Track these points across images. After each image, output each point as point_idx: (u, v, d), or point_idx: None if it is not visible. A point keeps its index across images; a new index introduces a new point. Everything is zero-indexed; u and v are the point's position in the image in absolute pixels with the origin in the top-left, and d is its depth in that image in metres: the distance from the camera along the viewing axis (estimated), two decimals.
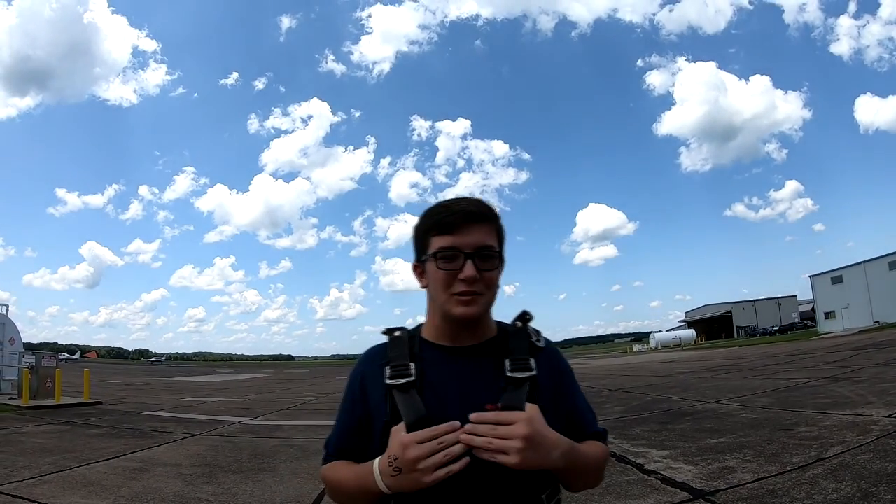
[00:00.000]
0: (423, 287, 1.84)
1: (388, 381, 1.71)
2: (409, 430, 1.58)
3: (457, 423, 1.56)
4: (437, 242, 1.73)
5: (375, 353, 1.86)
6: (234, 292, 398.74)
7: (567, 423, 1.77)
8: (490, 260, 1.73)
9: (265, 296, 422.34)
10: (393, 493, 1.60)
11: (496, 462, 1.53)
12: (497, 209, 1.83)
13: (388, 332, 1.86)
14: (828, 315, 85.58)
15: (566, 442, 1.65)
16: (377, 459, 1.63)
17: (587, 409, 1.93)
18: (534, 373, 1.72)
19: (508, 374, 1.70)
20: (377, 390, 1.75)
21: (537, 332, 1.87)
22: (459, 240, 1.70)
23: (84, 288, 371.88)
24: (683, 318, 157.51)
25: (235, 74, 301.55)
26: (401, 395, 1.67)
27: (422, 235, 1.81)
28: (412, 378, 1.70)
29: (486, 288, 1.73)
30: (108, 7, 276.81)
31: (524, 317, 1.87)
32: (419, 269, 1.85)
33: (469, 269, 1.68)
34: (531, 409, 1.60)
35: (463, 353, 1.78)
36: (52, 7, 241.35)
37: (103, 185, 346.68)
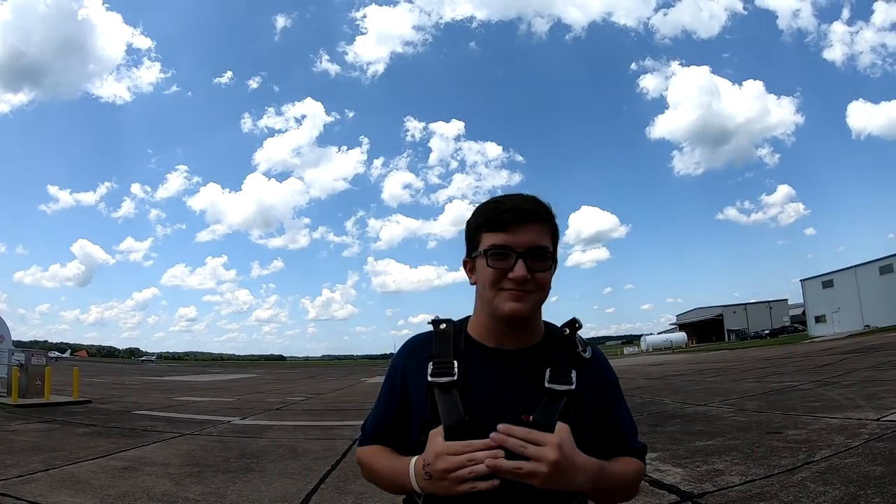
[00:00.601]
0: (473, 283, 1.83)
1: (430, 379, 1.71)
2: (446, 434, 1.60)
3: (493, 444, 1.54)
4: (488, 239, 1.72)
5: (419, 344, 1.86)
6: (225, 292, 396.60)
7: (606, 438, 1.78)
8: (543, 260, 1.72)
9: (257, 295, 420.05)
10: (424, 494, 1.64)
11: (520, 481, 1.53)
12: (551, 207, 1.81)
13: (435, 323, 1.86)
14: (818, 319, 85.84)
15: (594, 465, 1.63)
16: (413, 459, 1.66)
17: (629, 425, 1.91)
18: (572, 387, 1.71)
19: (547, 384, 1.70)
20: (418, 385, 1.76)
21: (584, 342, 1.84)
22: (511, 238, 1.69)
23: (75, 286, 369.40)
24: (675, 321, 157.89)
25: (229, 73, 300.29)
26: (442, 394, 1.69)
27: (473, 231, 1.80)
28: (454, 378, 1.70)
29: (538, 288, 1.72)
30: (103, 4, 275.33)
31: (573, 324, 1.85)
32: (469, 265, 1.84)
33: (520, 269, 1.66)
34: (561, 430, 1.58)
35: (506, 357, 1.77)
36: (47, 3, 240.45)
37: (95, 183, 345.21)
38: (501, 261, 1.68)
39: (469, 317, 1.88)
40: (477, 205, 1.84)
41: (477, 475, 1.51)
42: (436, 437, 1.61)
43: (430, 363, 1.74)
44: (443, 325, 1.84)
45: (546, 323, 1.87)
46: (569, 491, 1.60)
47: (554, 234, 1.79)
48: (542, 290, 1.73)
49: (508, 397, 1.69)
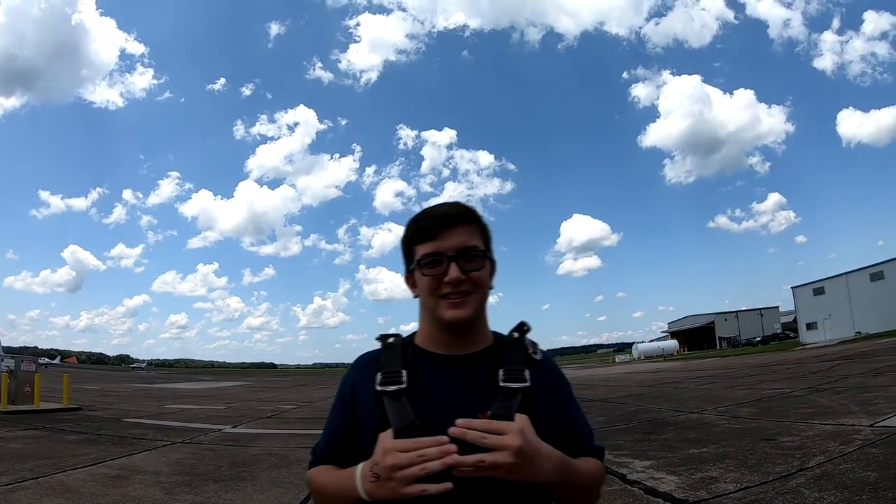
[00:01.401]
0: (416, 297, 1.81)
1: (378, 388, 1.67)
2: (396, 436, 1.53)
3: (444, 439, 1.48)
4: (420, 250, 1.73)
5: (367, 359, 1.83)
6: (216, 299, 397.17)
7: (562, 439, 1.73)
8: (475, 259, 1.71)
9: (248, 303, 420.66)
10: (371, 501, 1.55)
11: (484, 476, 1.46)
12: (476, 209, 1.80)
13: (382, 338, 1.84)
14: (810, 326, 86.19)
15: (559, 455, 1.59)
16: (361, 465, 1.59)
17: (584, 425, 1.89)
18: (527, 384, 1.67)
19: (501, 383, 1.66)
20: (367, 397, 1.71)
21: (534, 344, 1.83)
22: (441, 244, 1.70)
23: (65, 292, 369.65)
24: (666, 328, 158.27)
25: (223, 80, 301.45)
26: (391, 402, 1.63)
27: (407, 246, 1.80)
28: (403, 385, 1.66)
29: (475, 287, 1.71)
30: (97, 9, 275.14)
31: (522, 328, 1.83)
32: (410, 280, 1.83)
33: (454, 272, 1.66)
34: (521, 419, 1.54)
35: (456, 362, 1.75)
36: (41, 7, 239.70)
37: (87, 189, 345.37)
38: (435, 267, 1.69)
39: (415, 332, 1.87)
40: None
41: (429, 473, 1.44)
42: (384, 438, 1.55)
43: (379, 373, 1.71)
44: (391, 339, 1.83)
45: (494, 331, 1.87)
46: (533, 487, 1.57)
47: (484, 234, 1.80)
48: (481, 290, 1.74)
49: (462, 401, 1.64)
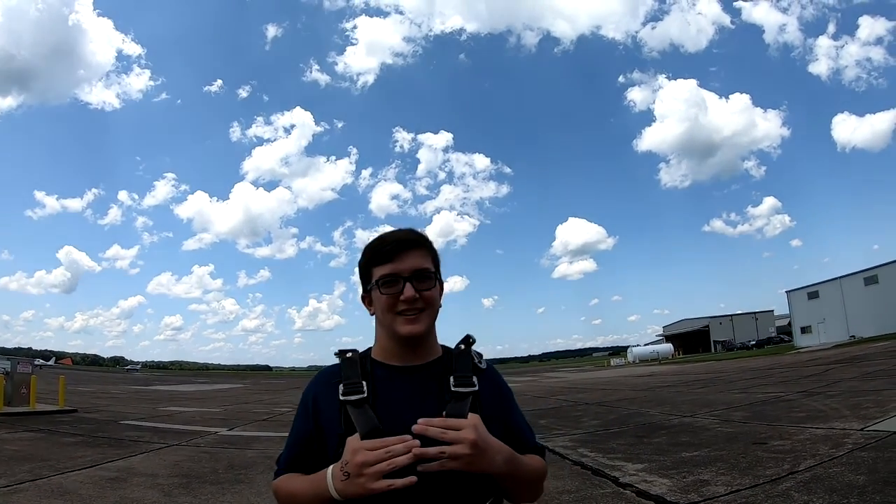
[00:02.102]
0: (372, 314, 2.01)
1: (342, 398, 1.85)
2: (363, 439, 1.71)
3: (408, 437, 1.68)
4: (378, 272, 1.93)
5: (328, 373, 2.00)
6: (211, 301, 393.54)
7: (508, 439, 1.91)
8: (427, 280, 1.92)
9: (243, 305, 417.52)
10: (342, 499, 1.72)
11: (443, 469, 1.67)
12: (427, 235, 2.05)
13: (341, 353, 2.02)
14: (804, 330, 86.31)
15: (507, 449, 1.82)
16: (331, 467, 1.76)
17: (526, 427, 2.12)
18: (476, 388, 1.90)
19: (453, 388, 1.88)
20: (330, 407, 1.88)
21: (479, 355, 2.05)
22: (397, 266, 1.90)
23: (60, 293, 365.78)
24: (661, 332, 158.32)
25: (219, 82, 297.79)
26: (354, 409, 1.82)
27: (364, 269, 2.01)
28: (364, 395, 1.85)
29: (427, 305, 1.91)
30: (94, 10, 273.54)
31: (468, 340, 2.06)
32: (367, 299, 2.03)
33: (409, 291, 1.87)
34: (473, 417, 1.77)
35: (411, 372, 1.95)
36: (38, 7, 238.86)
37: (83, 189, 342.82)
38: (392, 287, 1.89)
39: (371, 347, 2.05)
40: (369, 240, 2.03)
41: (397, 467, 1.63)
42: (352, 441, 1.72)
43: (341, 385, 1.88)
44: (349, 354, 2.00)
45: (443, 345, 2.07)
46: (485, 479, 1.78)
47: (434, 258, 2.01)
48: (432, 307, 1.94)
49: (419, 406, 1.82)
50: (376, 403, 1.84)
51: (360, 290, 2.06)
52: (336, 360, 2.02)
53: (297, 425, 2.01)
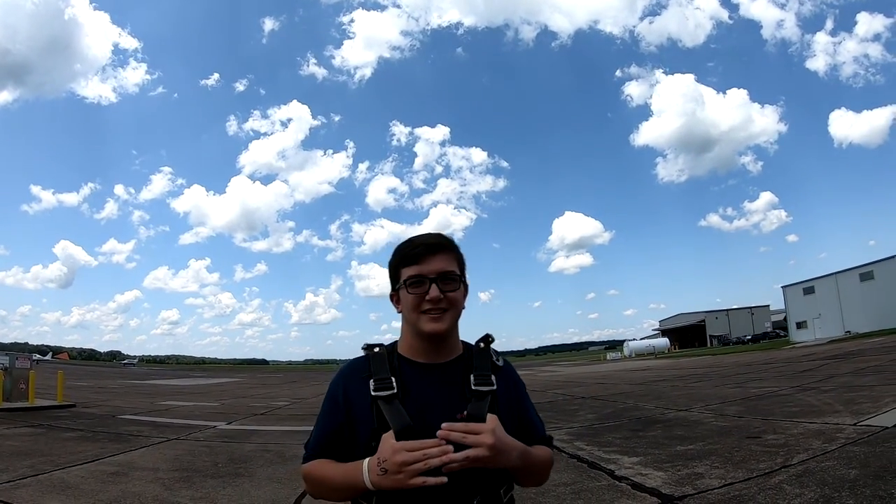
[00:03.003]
0: (399, 312, 2.18)
1: (373, 393, 2.01)
2: (397, 437, 1.88)
3: (442, 442, 1.84)
4: (406, 272, 2.09)
5: (357, 366, 2.17)
6: (208, 295, 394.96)
7: (519, 429, 2.12)
8: (451, 282, 2.08)
9: (240, 299, 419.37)
10: (376, 490, 1.89)
11: (467, 468, 1.85)
12: (454, 240, 2.20)
13: (368, 347, 2.19)
14: (799, 325, 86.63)
15: (521, 445, 2.01)
16: (367, 459, 1.92)
17: (536, 418, 2.30)
18: (494, 387, 2.08)
19: (473, 387, 2.06)
20: (362, 400, 2.04)
21: (497, 353, 2.23)
22: (424, 268, 2.06)
23: (57, 287, 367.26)
24: (657, 326, 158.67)
25: (216, 75, 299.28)
26: (386, 405, 1.98)
27: (394, 269, 2.17)
28: (395, 391, 2.01)
29: (451, 305, 2.07)
30: (91, 3, 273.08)
31: (487, 339, 2.24)
32: (395, 297, 2.19)
33: (434, 291, 2.03)
34: (492, 419, 1.93)
35: (435, 369, 2.12)
36: (35, 1, 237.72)
37: (79, 184, 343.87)
38: (418, 287, 2.05)
39: (397, 341, 2.22)
40: (395, 240, 2.25)
41: (431, 467, 1.79)
42: (388, 438, 1.88)
43: (371, 380, 2.04)
44: (377, 349, 2.17)
45: (463, 341, 2.24)
46: (502, 470, 1.98)
47: (460, 262, 2.17)
48: (455, 307, 2.10)
49: (443, 402, 2.02)
50: (405, 399, 2.00)
51: (389, 289, 2.21)
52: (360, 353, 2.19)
53: (326, 414, 2.16)
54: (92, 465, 9.99)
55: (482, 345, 2.21)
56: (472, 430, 1.87)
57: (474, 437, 1.85)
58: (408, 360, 2.12)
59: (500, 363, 2.21)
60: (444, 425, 1.87)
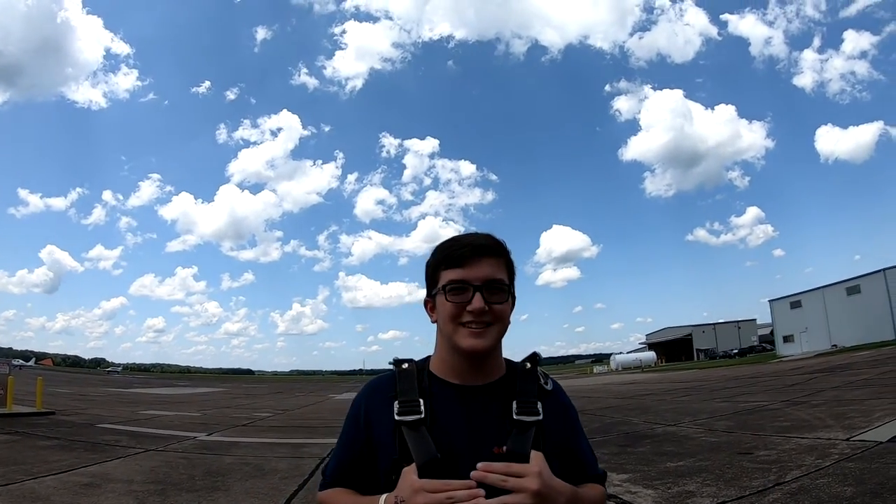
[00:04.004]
0: (434, 321, 1.87)
1: (397, 417, 1.72)
2: (420, 471, 1.60)
3: (472, 483, 1.54)
4: (446, 276, 1.78)
5: (383, 384, 1.87)
6: (194, 303, 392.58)
7: (569, 465, 1.81)
8: (499, 293, 1.76)
9: (226, 308, 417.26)
10: None
11: None
12: (505, 244, 1.88)
13: (397, 363, 1.88)
14: (786, 338, 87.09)
15: (570, 490, 1.66)
16: (384, 496, 1.64)
17: (589, 452, 1.98)
18: (540, 417, 1.75)
19: (515, 416, 1.73)
20: (383, 424, 1.76)
21: (546, 375, 1.90)
22: (469, 273, 1.75)
23: (42, 293, 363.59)
24: (644, 340, 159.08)
25: (207, 83, 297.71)
26: (410, 432, 1.69)
27: (433, 271, 1.85)
28: (422, 416, 1.71)
29: (496, 319, 1.75)
30: (83, 8, 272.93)
31: (534, 358, 1.90)
32: (430, 304, 1.88)
33: (478, 302, 1.71)
34: (537, 459, 1.61)
35: (471, 392, 1.80)
36: (27, 3, 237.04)
37: (67, 188, 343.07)
38: (460, 295, 1.73)
39: (430, 356, 1.91)
40: (443, 238, 1.90)
41: None
42: (409, 473, 1.59)
43: (396, 402, 1.74)
44: (405, 365, 1.86)
45: (507, 359, 1.91)
46: None
47: (510, 269, 1.85)
48: (501, 322, 1.78)
49: (478, 432, 1.71)
50: (433, 426, 1.70)
51: (425, 293, 1.91)
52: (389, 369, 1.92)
53: (347, 439, 1.89)
54: (65, 475, 9.70)
55: (528, 365, 1.88)
56: (515, 472, 1.55)
57: (516, 480, 1.54)
58: (440, 381, 1.82)
59: (549, 386, 1.88)
60: (479, 465, 1.56)
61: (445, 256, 1.79)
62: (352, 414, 1.88)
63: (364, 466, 1.79)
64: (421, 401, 1.73)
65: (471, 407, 1.76)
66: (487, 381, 1.81)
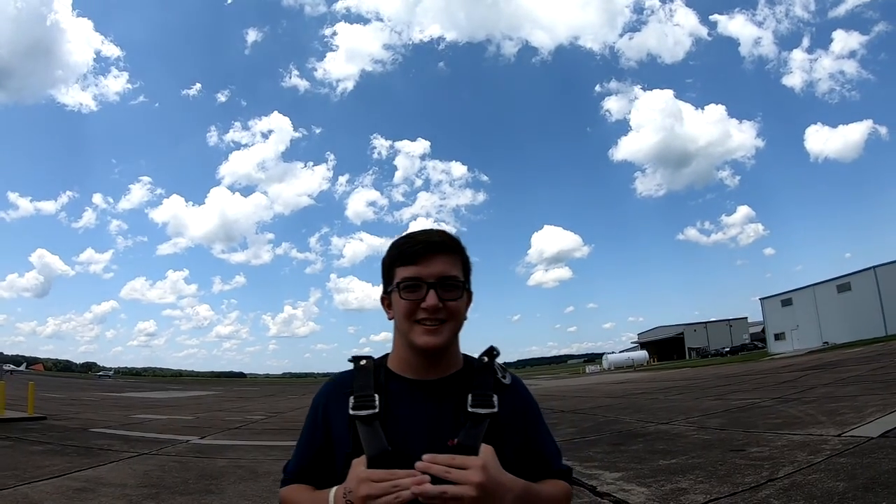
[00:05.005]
0: (390, 318, 1.86)
1: (351, 412, 1.72)
2: (370, 463, 1.60)
3: (417, 473, 1.53)
4: (400, 273, 1.77)
5: (340, 381, 1.88)
6: (186, 306, 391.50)
7: (530, 461, 1.82)
8: (453, 289, 1.76)
9: (218, 311, 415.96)
10: None
11: None
12: (460, 240, 1.87)
13: (355, 360, 1.88)
14: (778, 336, 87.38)
15: (520, 485, 1.66)
16: (334, 488, 1.65)
17: (552, 447, 1.96)
18: (495, 410, 1.75)
19: (469, 409, 1.74)
20: (340, 420, 1.76)
21: (503, 369, 1.89)
22: (422, 270, 1.74)
23: (32, 297, 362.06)
24: (636, 339, 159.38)
25: (198, 85, 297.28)
26: (364, 427, 1.69)
27: (388, 268, 1.84)
28: (376, 410, 1.72)
29: (451, 316, 1.76)
30: (73, 10, 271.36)
31: (491, 352, 1.91)
32: (386, 301, 1.87)
33: (431, 299, 1.71)
34: (485, 452, 1.61)
35: (427, 387, 1.80)
36: (17, 6, 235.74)
37: (57, 192, 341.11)
38: (414, 292, 1.74)
39: (388, 353, 1.91)
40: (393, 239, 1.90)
41: (403, 501, 1.50)
42: (358, 465, 1.60)
43: (352, 397, 1.76)
44: (363, 361, 1.87)
45: (465, 354, 1.92)
46: None
47: (464, 265, 1.85)
48: (456, 319, 1.79)
49: (433, 426, 1.72)
50: (387, 420, 1.71)
51: (381, 290, 1.90)
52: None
53: (305, 434, 1.90)
54: (58, 480, 9.68)
55: (485, 359, 1.89)
56: (459, 463, 1.54)
57: (459, 472, 1.53)
58: (396, 376, 1.82)
59: (507, 380, 1.88)
60: (425, 456, 1.55)
61: (399, 253, 1.79)
62: (311, 411, 1.90)
63: (323, 463, 1.81)
64: (376, 396, 1.74)
65: (426, 401, 1.78)
66: (444, 374, 1.83)
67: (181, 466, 11.60)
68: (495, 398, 1.77)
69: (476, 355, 1.93)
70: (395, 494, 1.50)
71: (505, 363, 1.93)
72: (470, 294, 1.85)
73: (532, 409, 1.94)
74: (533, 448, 1.87)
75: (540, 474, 1.83)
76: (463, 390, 1.78)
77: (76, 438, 15.98)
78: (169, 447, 14.65)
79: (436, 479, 1.52)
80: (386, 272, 1.85)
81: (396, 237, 1.88)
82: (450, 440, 1.65)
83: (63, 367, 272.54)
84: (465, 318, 1.83)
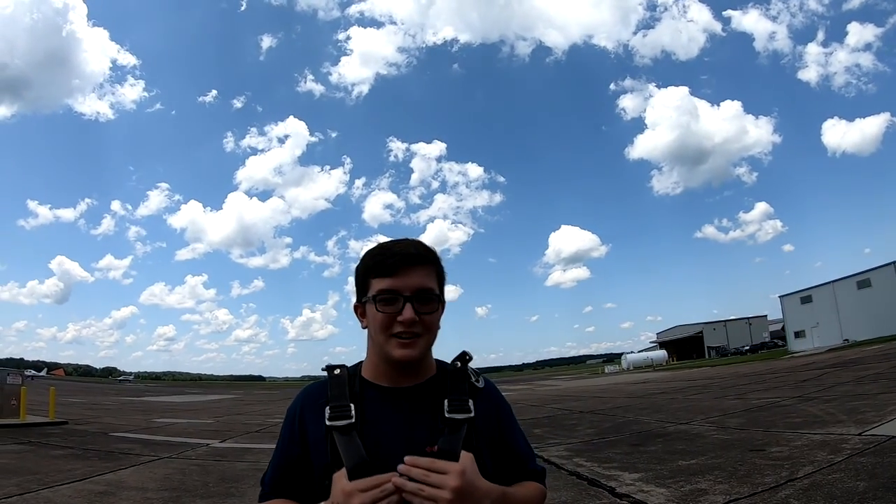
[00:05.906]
0: (364, 328, 1.88)
1: (328, 423, 1.73)
2: (350, 475, 1.61)
3: (398, 475, 1.56)
4: (376, 285, 1.78)
5: (314, 390, 1.90)
6: (204, 311, 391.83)
7: (505, 461, 1.85)
8: (429, 303, 1.78)
9: (236, 315, 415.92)
10: None
11: None
12: (437, 251, 1.90)
13: (329, 368, 1.90)
14: (798, 334, 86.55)
15: (497, 491, 1.68)
16: None
17: (525, 448, 1.99)
18: (471, 414, 1.78)
19: (447, 415, 1.76)
20: (316, 430, 1.77)
21: (476, 373, 1.92)
22: (399, 282, 1.75)
23: (53, 303, 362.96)
24: (655, 338, 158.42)
25: (214, 92, 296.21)
26: (341, 437, 1.70)
27: (362, 277, 1.85)
28: (352, 420, 1.73)
29: (426, 330, 1.78)
30: (89, 20, 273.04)
31: (464, 357, 1.91)
32: (360, 310, 1.89)
33: (408, 312, 1.73)
34: (465, 459, 1.63)
35: (402, 395, 1.82)
36: (33, 17, 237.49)
37: (76, 199, 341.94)
38: (390, 305, 1.74)
39: (361, 362, 1.93)
40: (368, 249, 1.91)
41: (392, 500, 1.53)
42: (341, 478, 1.61)
43: (327, 407, 1.76)
44: (337, 371, 1.88)
45: (437, 360, 1.94)
46: None
47: (440, 277, 1.87)
48: (431, 332, 1.80)
49: (410, 433, 1.74)
50: (364, 429, 1.72)
51: (354, 299, 1.93)
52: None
53: (281, 445, 1.91)
54: (80, 484, 9.77)
55: (458, 364, 1.90)
56: (438, 468, 1.57)
57: (438, 476, 1.55)
58: (371, 384, 1.84)
59: (480, 384, 1.90)
60: (407, 459, 1.59)
61: (375, 264, 1.80)
62: (287, 422, 1.91)
63: (300, 474, 1.81)
64: (352, 405, 1.75)
65: (402, 408, 1.79)
66: (417, 382, 1.84)
67: (201, 470, 11.68)
68: (471, 402, 1.80)
69: (475, 356, 1.94)
70: (386, 501, 1.53)
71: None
72: (444, 304, 1.86)
73: (505, 410, 1.97)
74: (508, 449, 1.90)
75: (515, 475, 1.87)
76: (439, 396, 1.80)
77: (97, 443, 16.13)
78: (189, 451, 14.75)
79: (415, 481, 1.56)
80: (360, 281, 1.86)
81: (371, 246, 1.89)
82: (428, 446, 1.67)
83: (83, 372, 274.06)
84: (439, 328, 1.84)
